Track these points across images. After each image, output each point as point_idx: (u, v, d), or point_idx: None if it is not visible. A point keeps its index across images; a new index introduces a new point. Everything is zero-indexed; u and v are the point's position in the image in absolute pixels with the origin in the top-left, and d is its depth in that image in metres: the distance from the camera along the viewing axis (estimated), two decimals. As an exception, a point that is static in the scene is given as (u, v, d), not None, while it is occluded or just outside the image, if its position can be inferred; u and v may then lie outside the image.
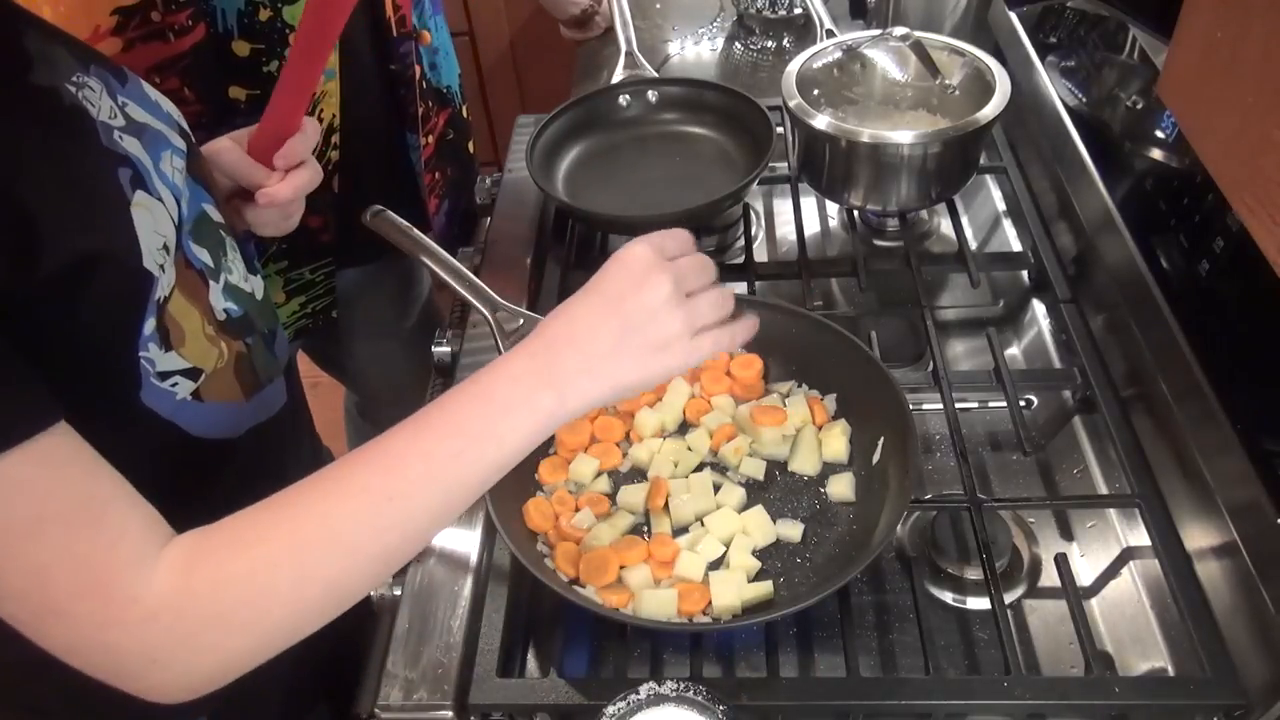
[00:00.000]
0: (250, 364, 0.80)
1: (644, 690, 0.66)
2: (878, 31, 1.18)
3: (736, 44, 1.63)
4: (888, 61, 1.17)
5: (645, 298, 0.63)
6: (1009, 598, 0.84)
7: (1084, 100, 1.11)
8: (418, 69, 1.22)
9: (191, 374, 0.71)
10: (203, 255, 0.75)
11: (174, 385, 0.70)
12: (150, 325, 0.66)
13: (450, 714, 0.75)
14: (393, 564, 0.62)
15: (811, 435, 0.89)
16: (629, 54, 1.35)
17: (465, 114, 1.41)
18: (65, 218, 0.60)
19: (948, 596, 0.85)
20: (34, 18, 0.69)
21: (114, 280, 0.63)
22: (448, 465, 0.61)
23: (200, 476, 0.76)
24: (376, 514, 0.60)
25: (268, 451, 0.83)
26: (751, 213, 1.22)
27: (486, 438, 0.61)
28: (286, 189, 0.83)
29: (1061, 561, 0.82)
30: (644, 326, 0.63)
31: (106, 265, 0.62)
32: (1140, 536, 0.84)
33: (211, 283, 0.76)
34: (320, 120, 1.10)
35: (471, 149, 1.45)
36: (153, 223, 0.67)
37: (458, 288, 0.98)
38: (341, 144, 1.14)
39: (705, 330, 0.66)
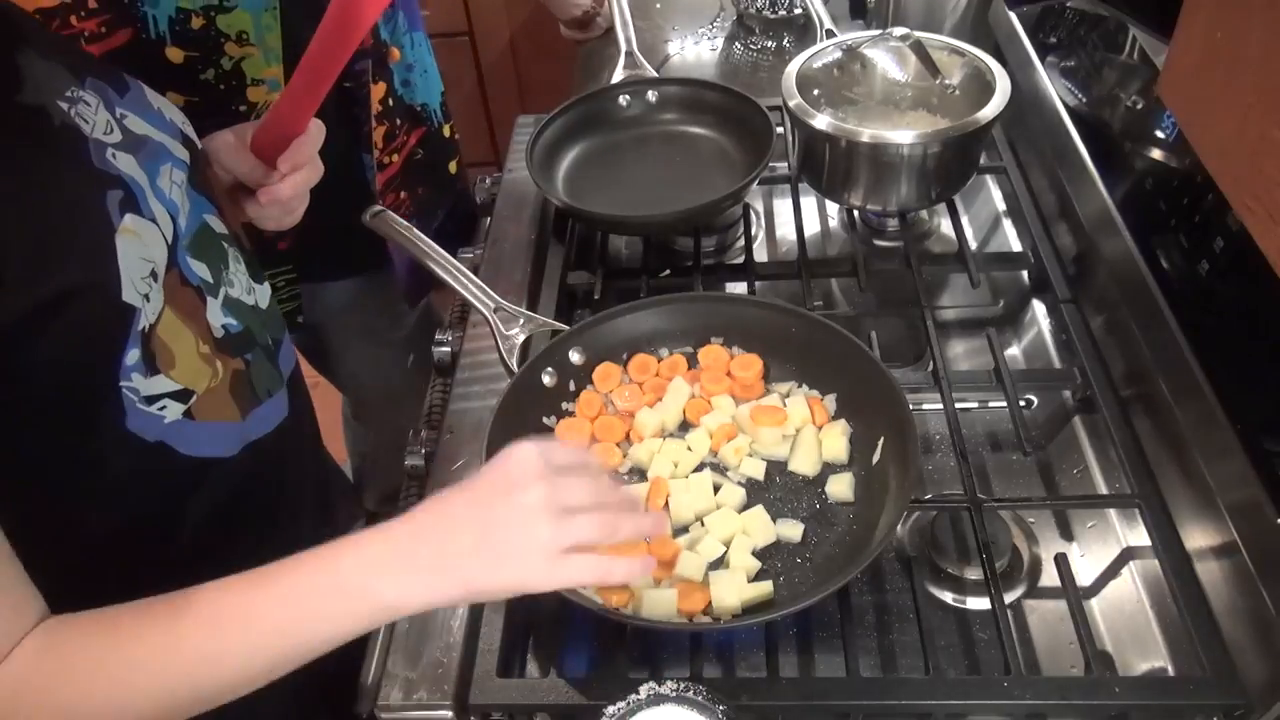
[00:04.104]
0: (248, 381, 0.79)
1: (644, 690, 0.66)
2: (878, 31, 1.18)
3: (736, 44, 1.63)
4: (888, 61, 1.17)
5: (514, 501, 0.60)
6: (1009, 598, 0.84)
7: (1084, 100, 1.11)
8: (380, 86, 1.19)
9: (181, 396, 0.70)
10: (201, 270, 0.74)
11: (162, 409, 0.69)
12: (134, 355, 0.65)
13: (450, 714, 0.75)
14: (204, 707, 0.62)
15: (811, 435, 0.89)
16: (629, 54, 1.35)
17: (448, 132, 1.37)
18: (34, 255, 0.59)
19: (948, 596, 0.85)
20: (33, 32, 0.67)
21: (88, 316, 0.62)
22: (273, 638, 0.60)
23: (191, 496, 0.75)
24: (196, 671, 0.60)
25: (265, 467, 0.82)
26: (751, 213, 1.22)
27: (319, 618, 0.60)
28: (287, 187, 0.82)
29: (1061, 561, 0.82)
30: (506, 531, 0.60)
31: (80, 301, 0.61)
32: (1140, 536, 0.84)
33: (209, 299, 0.75)
34: None
35: (454, 168, 1.41)
36: (140, 249, 0.66)
37: (457, 288, 0.98)
38: None
39: (579, 551, 0.61)
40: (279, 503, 0.87)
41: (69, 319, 0.60)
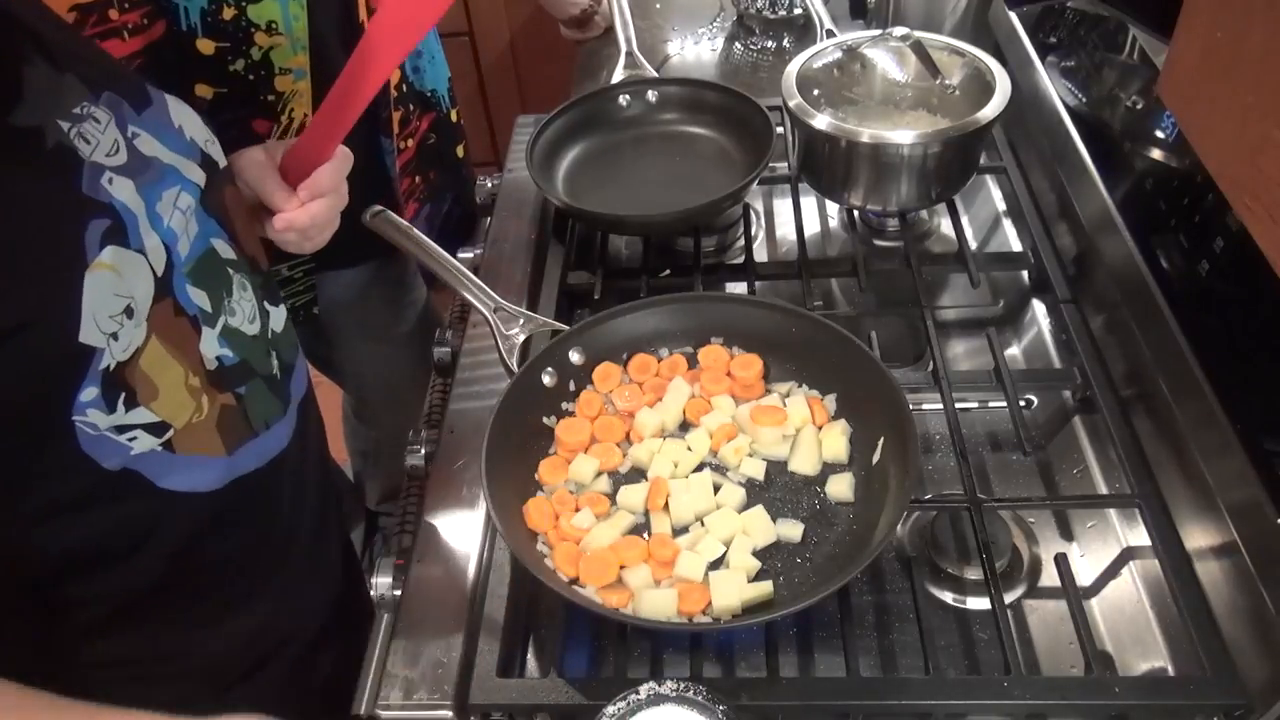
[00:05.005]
0: (241, 415, 0.76)
1: (644, 690, 0.66)
2: (878, 31, 1.18)
3: (736, 44, 1.63)
4: (888, 61, 1.17)
5: None
6: (1009, 598, 0.84)
7: (1084, 100, 1.11)
8: (395, 72, 1.21)
9: (156, 429, 0.68)
10: (199, 299, 0.71)
11: (132, 439, 0.66)
12: (91, 393, 0.62)
13: (450, 714, 0.75)
14: None
15: (811, 435, 0.89)
16: (629, 54, 1.35)
17: (454, 118, 1.39)
18: None
19: (948, 596, 0.85)
20: (54, 41, 0.64)
21: (36, 353, 0.59)
22: None
23: (160, 526, 0.72)
24: None
25: (252, 501, 0.79)
26: (751, 213, 1.22)
27: None
28: (303, 216, 0.81)
29: (1061, 561, 0.82)
30: None
31: (28, 338, 0.58)
32: (1140, 536, 0.84)
33: (205, 329, 0.72)
34: (292, 121, 1.10)
35: (461, 153, 1.44)
36: (115, 284, 0.62)
37: (457, 288, 0.98)
38: None
39: None
40: (268, 532, 0.84)
41: (13, 354, 0.58)
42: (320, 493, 0.94)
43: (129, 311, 0.64)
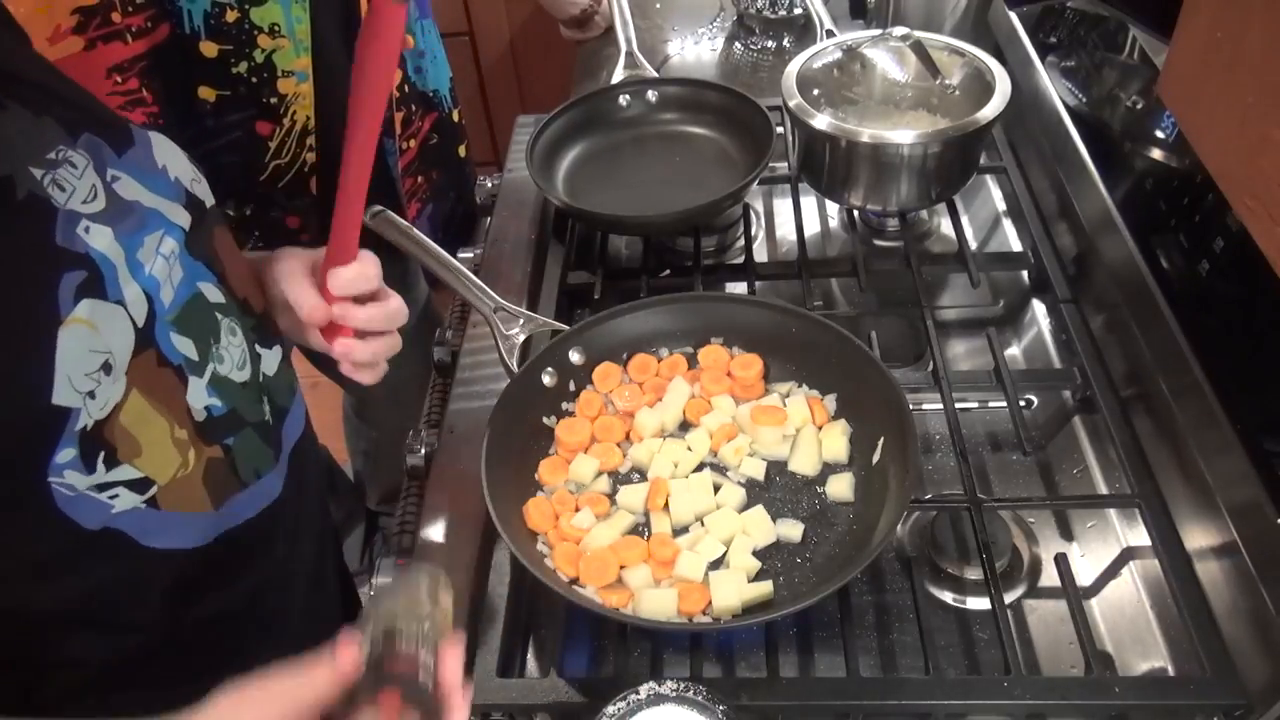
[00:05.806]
0: (229, 467, 0.73)
1: (644, 690, 0.66)
2: (878, 31, 1.18)
3: (736, 44, 1.63)
4: (888, 61, 1.17)
5: None
6: (1009, 598, 0.84)
7: (1084, 100, 1.11)
8: (397, 73, 1.21)
9: (139, 485, 0.64)
10: (184, 348, 0.68)
11: (113, 497, 0.63)
12: (67, 454, 0.59)
13: (450, 714, 0.75)
14: None
15: (811, 435, 0.89)
16: (629, 54, 1.35)
17: (456, 118, 1.40)
18: None
19: (948, 596, 0.85)
20: (26, 88, 0.61)
21: (6, 418, 0.56)
22: None
23: (147, 585, 0.69)
24: None
25: (239, 559, 0.76)
26: (751, 213, 1.22)
27: None
28: (363, 353, 0.78)
29: (1061, 561, 0.82)
30: None
31: None
32: (1140, 536, 0.84)
33: (191, 378, 0.68)
34: (294, 123, 1.10)
35: (463, 153, 1.44)
36: (91, 340, 0.59)
37: (457, 288, 0.98)
38: (317, 146, 1.14)
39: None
40: (258, 587, 0.80)
41: None
42: (318, 541, 0.91)
43: (106, 367, 0.60)
